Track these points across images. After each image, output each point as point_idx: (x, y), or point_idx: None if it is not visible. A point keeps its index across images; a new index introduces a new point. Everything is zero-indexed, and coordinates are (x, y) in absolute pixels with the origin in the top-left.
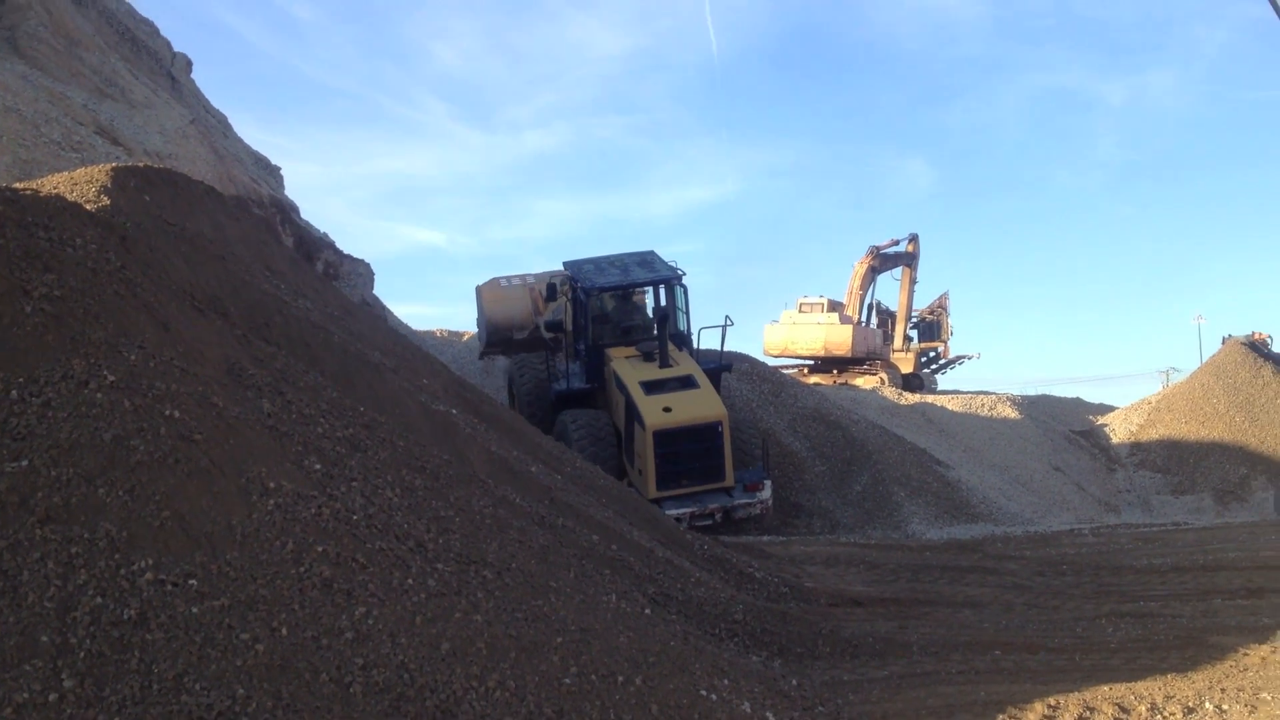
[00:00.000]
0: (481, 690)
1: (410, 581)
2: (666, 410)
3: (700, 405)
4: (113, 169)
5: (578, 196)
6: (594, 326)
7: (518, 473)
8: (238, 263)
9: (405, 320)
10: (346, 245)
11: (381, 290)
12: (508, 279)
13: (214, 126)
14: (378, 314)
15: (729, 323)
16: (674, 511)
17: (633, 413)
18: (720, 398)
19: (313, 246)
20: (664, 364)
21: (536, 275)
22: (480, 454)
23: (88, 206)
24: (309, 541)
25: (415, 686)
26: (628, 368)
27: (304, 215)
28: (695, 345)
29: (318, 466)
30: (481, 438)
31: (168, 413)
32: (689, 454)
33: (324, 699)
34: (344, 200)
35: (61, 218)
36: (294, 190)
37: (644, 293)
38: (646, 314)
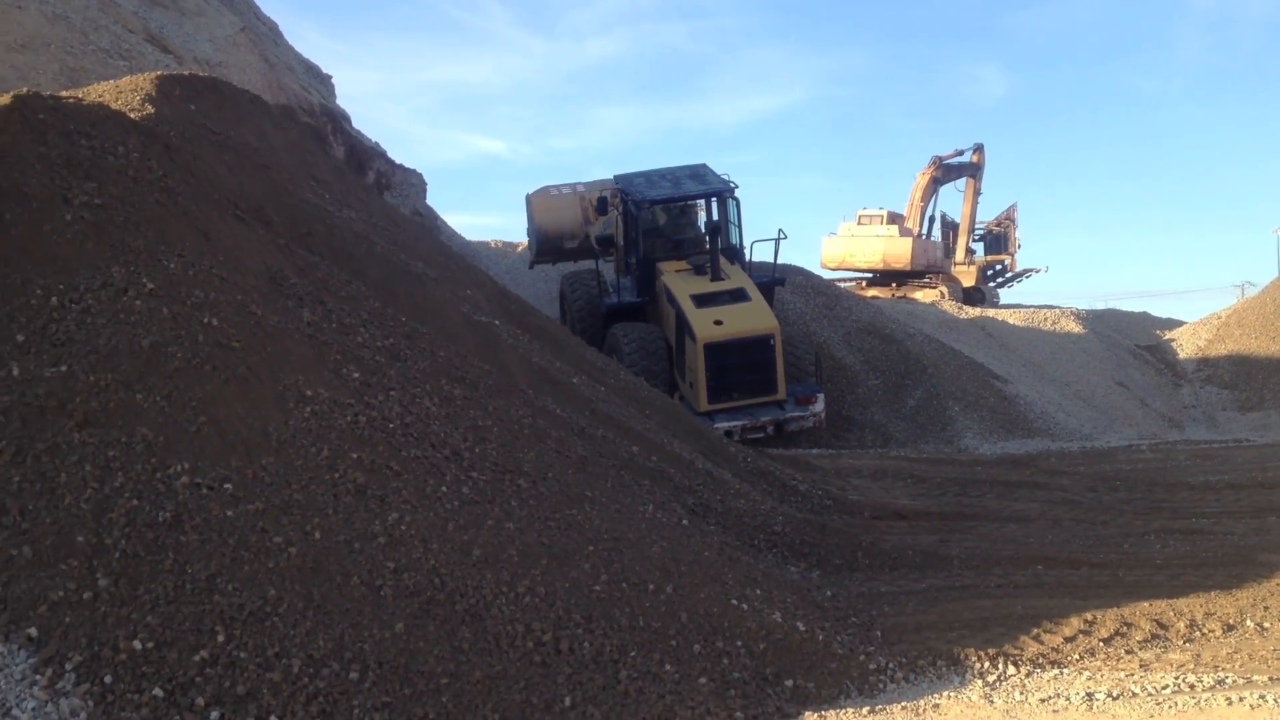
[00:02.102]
0: (511, 595)
1: (444, 489)
2: (718, 323)
3: (752, 318)
4: (158, 77)
5: (640, 105)
6: (645, 240)
7: (559, 384)
8: (282, 172)
9: (459, 230)
10: (406, 154)
11: (440, 200)
12: (558, 188)
13: (264, 34)
14: (427, 225)
15: (782, 236)
16: (725, 424)
17: (683, 326)
18: (772, 311)
19: (364, 156)
20: (715, 277)
21: (587, 184)
22: (521, 365)
23: (132, 115)
24: (344, 448)
25: (445, 590)
26: (679, 281)
27: (365, 124)
28: (749, 259)
29: (356, 375)
30: (524, 349)
31: (206, 320)
32: (740, 367)
33: (355, 601)
34: (405, 108)
35: (104, 126)
36: (355, 98)
37: (696, 206)
38: (698, 227)
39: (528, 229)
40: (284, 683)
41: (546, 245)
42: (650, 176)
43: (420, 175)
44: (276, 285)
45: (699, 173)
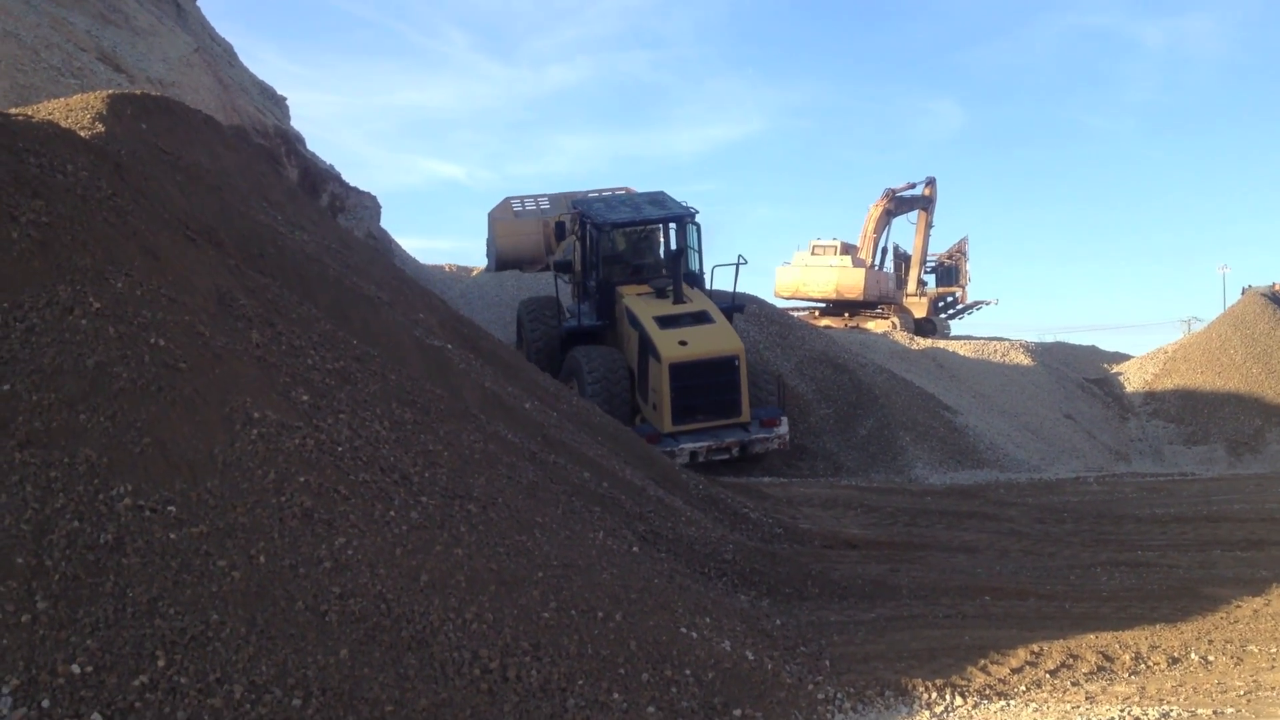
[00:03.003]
0: (459, 622)
1: (392, 514)
2: (682, 344)
3: (717, 339)
4: (109, 96)
5: (599, 133)
6: (604, 264)
7: (511, 408)
8: (234, 193)
9: (413, 254)
10: (362, 177)
11: (397, 224)
12: (521, 202)
13: (219, 55)
14: (380, 248)
15: (742, 261)
16: (690, 445)
17: (647, 347)
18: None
19: (318, 178)
20: (678, 300)
21: (551, 197)
22: (474, 389)
23: (82, 133)
24: (291, 472)
25: (392, 616)
26: (640, 304)
27: (321, 146)
28: (709, 285)
29: (305, 398)
30: (476, 373)
31: (153, 341)
32: (705, 388)
33: (299, 626)
34: (363, 132)
35: (53, 144)
36: (312, 121)
37: (655, 232)
38: (657, 253)
39: (488, 243)
40: (225, 709)
41: (505, 265)
42: (610, 202)
43: (375, 198)
44: (226, 306)
45: (658, 199)
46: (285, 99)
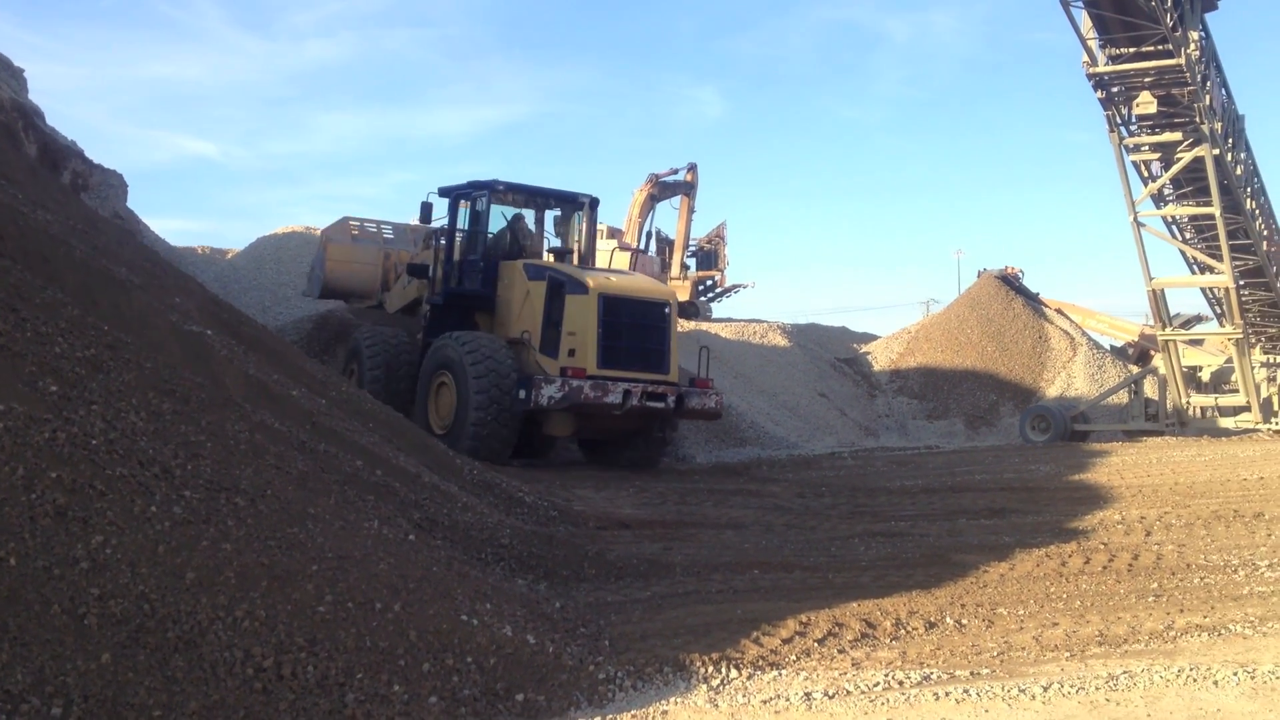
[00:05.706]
0: (229, 620)
1: (153, 509)
2: (610, 280)
3: (646, 283)
4: None
5: (364, 111)
6: (490, 239)
7: (277, 396)
8: None
9: (162, 236)
10: (107, 154)
11: (146, 203)
12: (361, 226)
13: None
14: (128, 228)
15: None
16: (624, 384)
17: (564, 287)
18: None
19: (59, 155)
20: (587, 261)
21: (396, 227)
22: (237, 377)
23: None
24: (41, 467)
25: (156, 618)
26: (542, 262)
27: (61, 121)
28: None
29: (54, 388)
30: (239, 360)
31: None
32: (634, 329)
33: (55, 630)
34: (107, 106)
35: None
36: (51, 94)
37: (542, 219)
38: (539, 241)
39: (313, 264)
40: None
41: (332, 295)
42: None
43: (121, 176)
44: None
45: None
46: (23, 70)
